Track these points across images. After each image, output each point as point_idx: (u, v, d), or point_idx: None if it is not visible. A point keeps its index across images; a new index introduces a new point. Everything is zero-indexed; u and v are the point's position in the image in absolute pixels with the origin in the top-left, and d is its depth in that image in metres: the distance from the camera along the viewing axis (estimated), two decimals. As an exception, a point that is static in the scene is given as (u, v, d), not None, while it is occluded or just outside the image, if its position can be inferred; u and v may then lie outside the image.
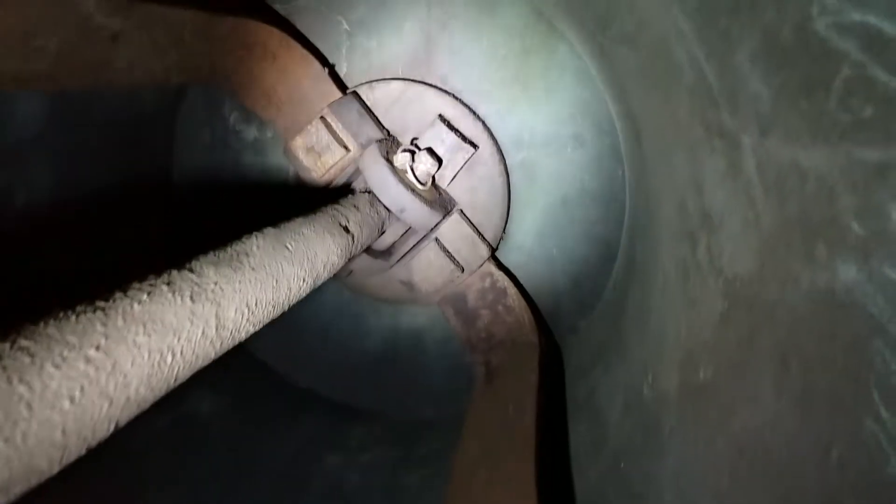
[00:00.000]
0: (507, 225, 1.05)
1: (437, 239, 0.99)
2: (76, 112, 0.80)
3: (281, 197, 1.06)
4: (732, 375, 0.56)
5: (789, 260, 0.48)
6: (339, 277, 1.03)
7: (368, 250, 0.94)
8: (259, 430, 1.00)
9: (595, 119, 1.00)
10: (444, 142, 0.98)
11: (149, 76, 0.74)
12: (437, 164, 0.96)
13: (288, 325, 1.07)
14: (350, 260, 0.82)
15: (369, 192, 0.89)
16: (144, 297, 0.40)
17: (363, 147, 0.94)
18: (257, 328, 0.52)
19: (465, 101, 1.03)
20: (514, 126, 1.03)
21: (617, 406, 0.79)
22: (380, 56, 1.04)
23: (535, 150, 1.03)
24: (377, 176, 0.89)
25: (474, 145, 0.99)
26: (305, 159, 0.95)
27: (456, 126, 1.00)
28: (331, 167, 0.95)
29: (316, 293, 1.08)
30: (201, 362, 0.45)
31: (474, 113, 1.02)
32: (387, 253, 0.98)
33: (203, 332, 0.44)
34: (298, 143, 0.95)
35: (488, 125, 1.02)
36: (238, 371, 1.05)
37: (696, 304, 0.62)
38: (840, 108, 0.41)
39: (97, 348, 0.36)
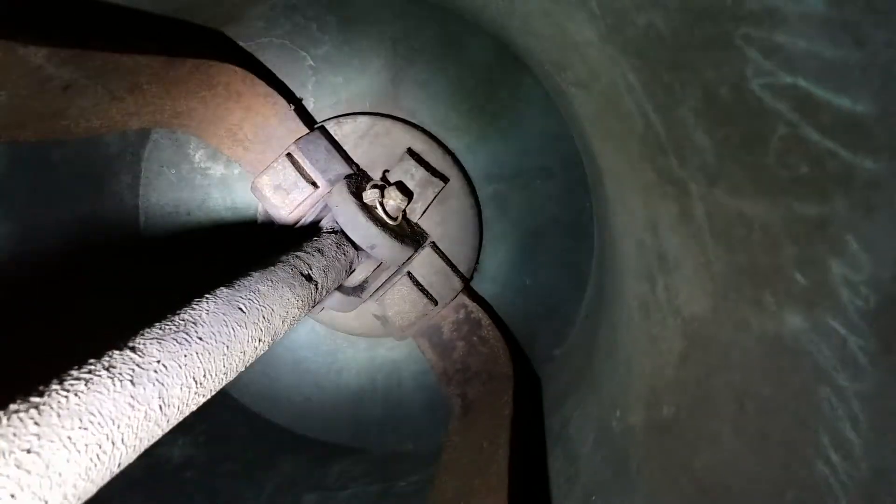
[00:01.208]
0: (480, 256, 1.06)
1: (409, 273, 0.99)
2: (32, 158, 0.79)
3: (250, 234, 1.05)
4: (693, 414, 0.57)
5: (740, 305, 0.49)
6: (312, 314, 1.03)
7: (340, 287, 0.94)
8: (235, 473, 0.98)
9: (563, 152, 1.01)
10: (413, 176, 0.98)
11: (106, 124, 0.73)
12: (406, 199, 0.96)
13: (263, 363, 1.06)
14: (320, 299, 0.81)
15: (336, 231, 0.89)
16: (82, 386, 0.39)
17: (331, 183, 0.94)
18: (209, 397, 0.51)
19: (434, 134, 1.03)
20: (483, 158, 1.04)
21: (588, 439, 0.79)
22: (347, 91, 1.04)
23: (506, 182, 1.04)
24: (346, 213, 0.89)
25: (444, 178, 1.00)
26: (273, 197, 0.94)
27: (425, 159, 1.01)
28: (299, 204, 0.94)
29: (290, 331, 1.07)
30: (147, 444, 0.44)
31: (443, 146, 1.03)
32: (359, 289, 0.98)
33: (146, 416, 0.42)
34: (265, 181, 0.94)
35: (458, 158, 1.03)
36: (212, 412, 1.03)
37: (658, 341, 0.63)
38: (778, 164, 0.42)
39: (29, 451, 0.34)
